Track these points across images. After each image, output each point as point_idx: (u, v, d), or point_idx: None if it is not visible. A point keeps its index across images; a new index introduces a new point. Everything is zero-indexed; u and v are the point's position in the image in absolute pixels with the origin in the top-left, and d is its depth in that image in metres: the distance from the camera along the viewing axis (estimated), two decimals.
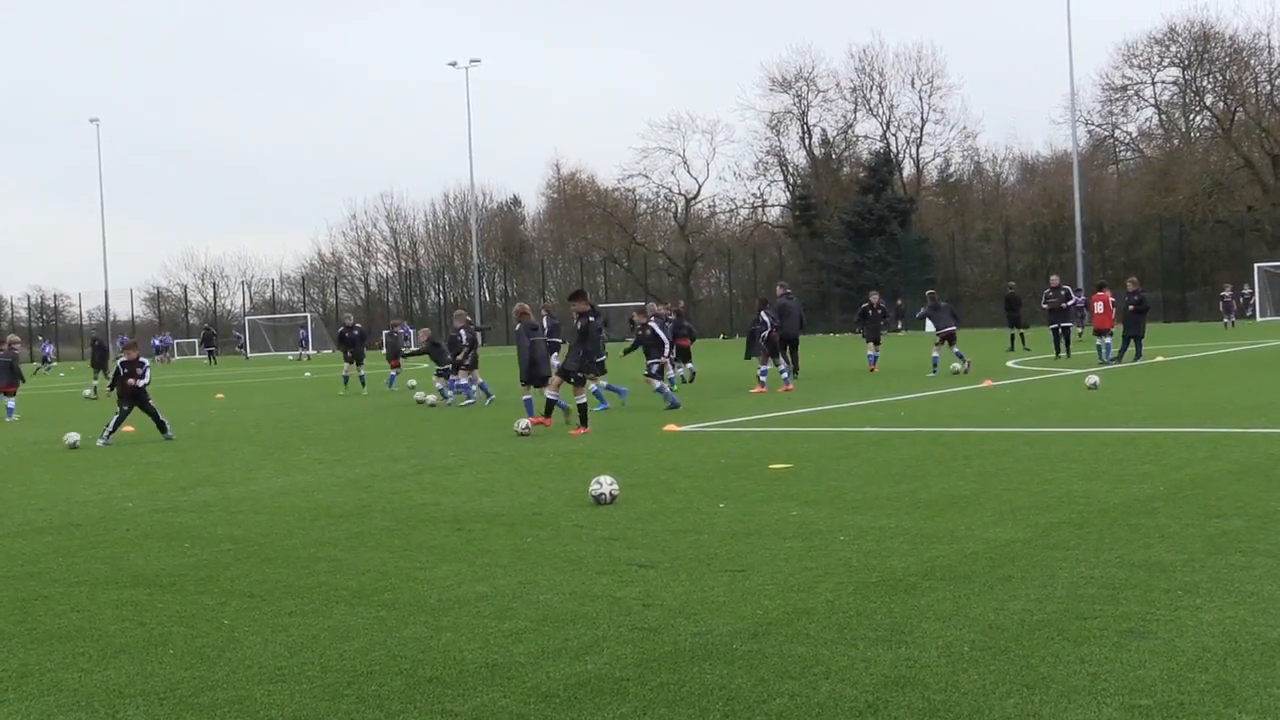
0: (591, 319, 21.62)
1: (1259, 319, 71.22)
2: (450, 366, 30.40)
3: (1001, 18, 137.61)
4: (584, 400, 20.89)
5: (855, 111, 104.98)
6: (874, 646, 7.08)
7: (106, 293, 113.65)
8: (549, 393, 21.16)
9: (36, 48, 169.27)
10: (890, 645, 7.09)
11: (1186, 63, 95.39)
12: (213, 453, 20.47)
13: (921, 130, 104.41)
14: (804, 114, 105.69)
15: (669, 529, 11.17)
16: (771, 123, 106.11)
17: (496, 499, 13.54)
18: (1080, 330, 48.92)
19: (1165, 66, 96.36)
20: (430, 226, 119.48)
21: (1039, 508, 11.37)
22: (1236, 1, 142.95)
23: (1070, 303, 38.96)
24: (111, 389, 24.49)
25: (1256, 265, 75.72)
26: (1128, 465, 13.87)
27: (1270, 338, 47.38)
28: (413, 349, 36.14)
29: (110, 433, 23.12)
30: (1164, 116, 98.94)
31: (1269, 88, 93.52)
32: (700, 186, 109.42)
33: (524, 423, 20.89)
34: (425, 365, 37.53)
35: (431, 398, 30.07)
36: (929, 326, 34.66)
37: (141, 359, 24.33)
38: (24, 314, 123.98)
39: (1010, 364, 36.23)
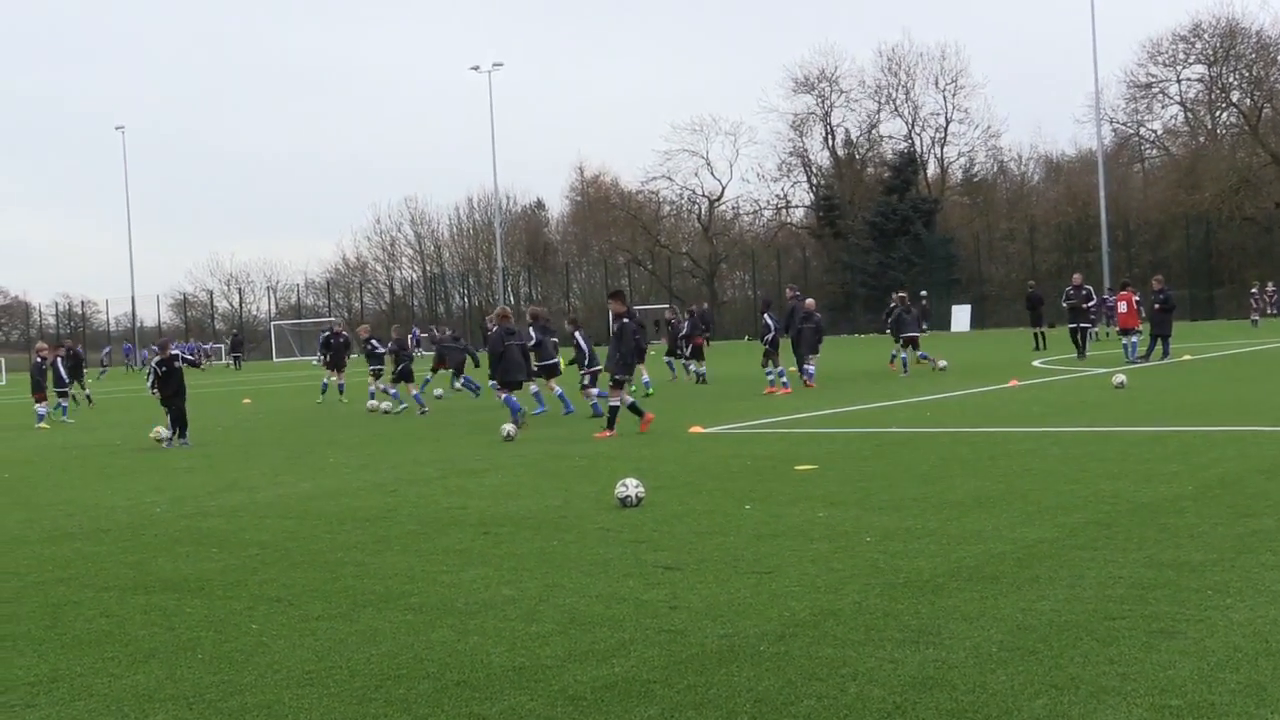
0: (626, 320, 21.48)
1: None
2: (395, 372, 30.49)
3: (1025, 16, 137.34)
4: (616, 403, 20.74)
5: (879, 111, 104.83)
6: (901, 648, 7.06)
7: (133, 299, 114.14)
8: (612, 400, 20.83)
9: (63, 55, 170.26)
10: (917, 646, 7.07)
11: (1212, 59, 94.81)
12: (240, 458, 20.54)
13: (946, 130, 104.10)
14: (827, 115, 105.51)
15: (695, 531, 11.17)
16: (794, 124, 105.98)
17: (522, 502, 13.55)
18: (1097, 332, 48.58)
19: (1191, 63, 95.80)
20: (454, 230, 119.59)
21: (1066, 508, 11.33)
22: None
23: (1090, 303, 38.37)
24: (153, 390, 24.53)
25: None
26: (1155, 465, 13.81)
27: None
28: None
29: (179, 435, 23.36)
30: (1190, 114, 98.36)
31: None
32: (724, 188, 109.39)
33: (509, 427, 20.87)
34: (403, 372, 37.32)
35: (385, 404, 30.15)
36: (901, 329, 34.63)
37: (175, 353, 24.50)
38: (52, 321, 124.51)
39: (1036, 363, 36.08)
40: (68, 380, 34.67)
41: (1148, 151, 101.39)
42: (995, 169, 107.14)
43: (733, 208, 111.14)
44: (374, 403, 30.73)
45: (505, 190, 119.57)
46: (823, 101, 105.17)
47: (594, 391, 25.00)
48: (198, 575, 10.36)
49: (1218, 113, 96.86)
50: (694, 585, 8.96)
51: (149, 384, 24.72)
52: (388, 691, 6.79)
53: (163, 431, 23.54)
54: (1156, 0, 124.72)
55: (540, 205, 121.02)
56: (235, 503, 14.80)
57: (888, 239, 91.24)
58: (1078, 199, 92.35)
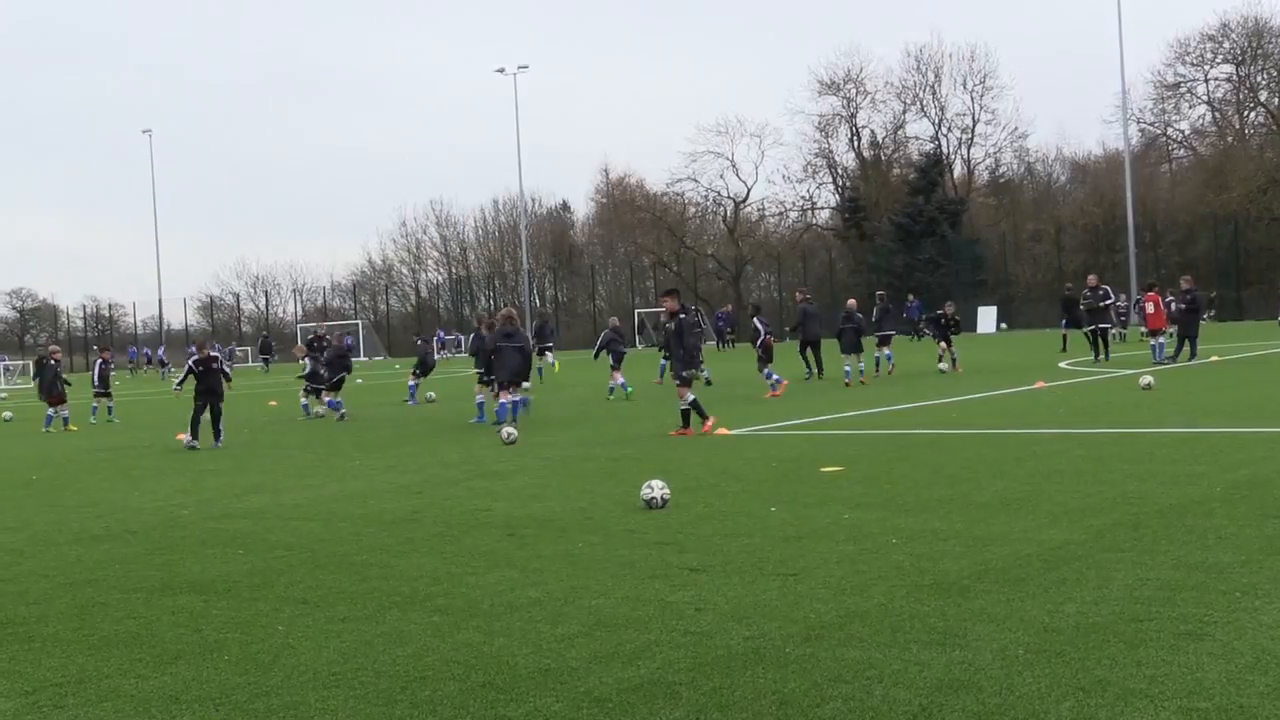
0: (683, 316, 21.37)
1: None
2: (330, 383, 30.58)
3: (1051, 17, 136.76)
4: (692, 399, 20.69)
5: (905, 112, 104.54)
6: (927, 650, 7.05)
7: (160, 302, 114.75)
8: (685, 398, 20.72)
9: (90, 60, 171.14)
10: (944, 649, 7.05)
11: (1240, 59, 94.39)
12: (266, 460, 20.61)
13: (973, 131, 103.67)
14: (852, 116, 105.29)
15: (720, 533, 11.16)
16: (820, 125, 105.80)
17: (548, 504, 13.56)
18: (1124, 332, 48.27)
19: (1218, 63, 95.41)
20: (480, 233, 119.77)
21: (1093, 509, 11.29)
22: None
23: (1108, 303, 37.72)
24: (178, 386, 24.71)
25: None
26: (1183, 466, 13.75)
27: None
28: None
29: (214, 437, 23.53)
30: (1217, 114, 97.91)
31: None
32: (749, 190, 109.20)
33: (509, 430, 20.87)
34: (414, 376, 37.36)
35: (320, 409, 30.17)
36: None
37: (213, 354, 24.70)
38: (80, 324, 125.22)
39: (1063, 365, 35.95)
40: (100, 387, 34.70)
41: (1175, 152, 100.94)
42: (1022, 170, 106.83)
43: (758, 209, 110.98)
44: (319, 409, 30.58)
45: (531, 192, 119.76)
46: (848, 103, 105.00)
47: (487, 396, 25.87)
48: (224, 577, 10.40)
49: (1246, 112, 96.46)
50: (719, 587, 8.95)
51: (177, 381, 24.95)
52: (413, 693, 6.80)
53: (185, 438, 23.60)
54: (1184, 0, 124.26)
55: (566, 207, 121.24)
56: (262, 505, 14.85)
57: (914, 240, 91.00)
58: (1104, 200, 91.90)
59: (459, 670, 7.18)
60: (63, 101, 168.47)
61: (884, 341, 35.75)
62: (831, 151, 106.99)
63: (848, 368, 32.06)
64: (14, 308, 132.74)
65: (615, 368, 31.97)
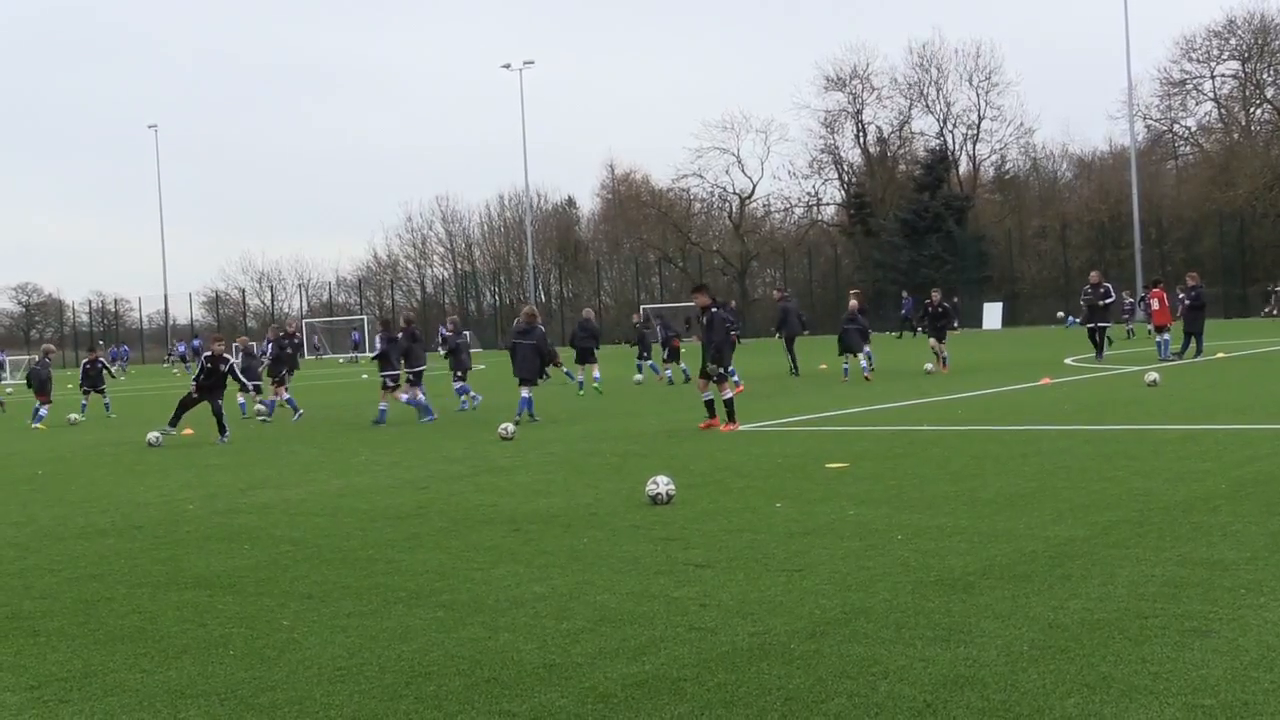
0: (716, 310, 21.34)
1: None
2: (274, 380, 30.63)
3: (1057, 13, 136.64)
4: (729, 395, 20.71)
5: (911, 108, 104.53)
6: (932, 646, 7.04)
7: (166, 297, 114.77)
8: (724, 393, 20.75)
9: (96, 55, 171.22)
10: (949, 645, 7.05)
11: (1246, 55, 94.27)
12: (271, 455, 20.63)
13: (978, 127, 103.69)
14: (858, 112, 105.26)
15: (726, 529, 11.16)
16: (826, 121, 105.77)
17: (553, 500, 13.56)
18: (1131, 328, 48.05)
19: (1224, 60, 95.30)
20: (485, 228, 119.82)
21: (1098, 506, 11.29)
22: None
23: (1108, 301, 36.73)
24: (196, 381, 24.75)
25: None
26: (1189, 463, 13.74)
27: None
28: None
29: (219, 432, 23.61)
30: (1223, 110, 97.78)
31: None
32: (755, 186, 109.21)
33: (508, 426, 20.88)
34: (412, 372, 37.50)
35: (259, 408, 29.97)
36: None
37: (225, 354, 24.74)
38: (85, 319, 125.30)
39: (1068, 361, 35.90)
40: (87, 385, 34.54)
41: (1181, 148, 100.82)
42: (1027, 166, 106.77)
43: (764, 205, 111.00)
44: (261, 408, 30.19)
45: (536, 188, 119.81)
46: (854, 99, 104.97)
47: (401, 396, 26.45)
48: (230, 572, 10.41)
49: (1252, 109, 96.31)
50: (725, 583, 8.96)
51: (194, 377, 25.00)
52: (419, 688, 6.80)
53: (152, 435, 23.50)
54: None
55: (571, 203, 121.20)
56: (267, 500, 14.86)
57: (919, 236, 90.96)
58: (1110, 196, 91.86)
59: (464, 665, 7.18)
60: (68, 95, 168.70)
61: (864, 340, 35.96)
62: (837, 147, 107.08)
63: (846, 365, 32.36)
64: (19, 303, 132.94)
65: (584, 363, 32.41)
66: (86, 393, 34.39)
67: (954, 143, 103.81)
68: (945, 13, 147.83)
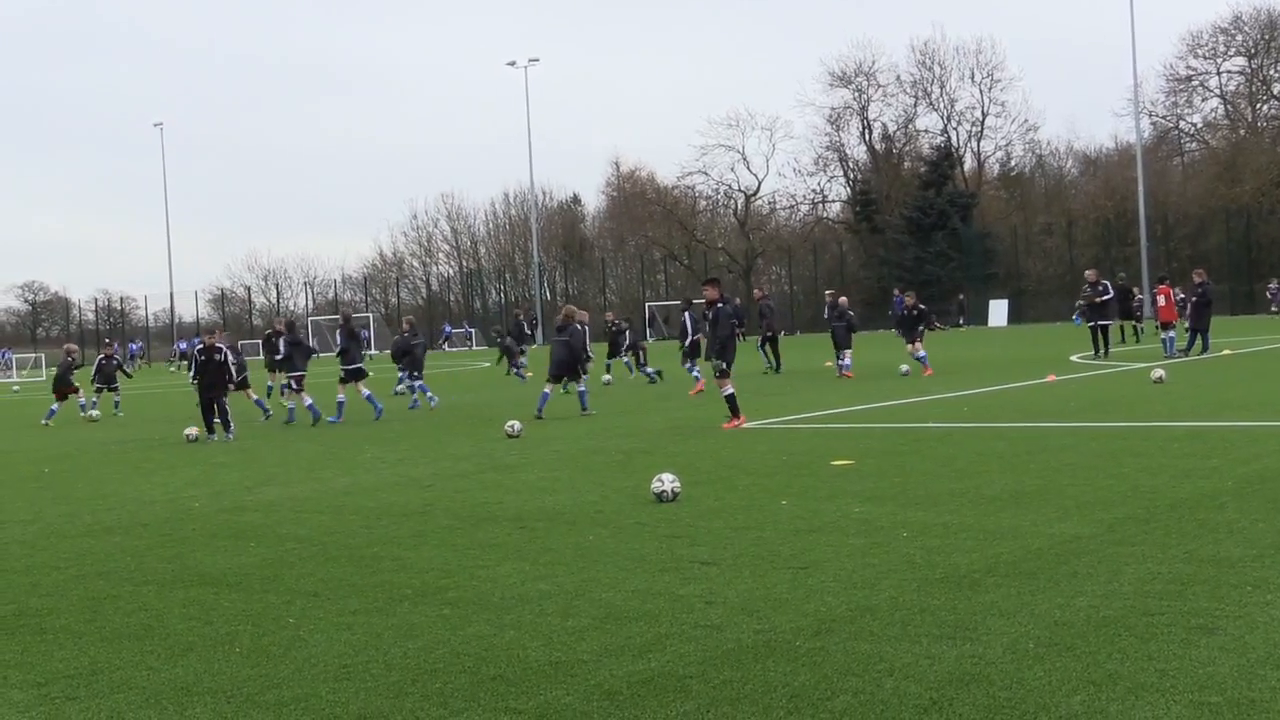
0: (721, 305, 21.34)
1: None
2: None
3: (1063, 9, 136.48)
4: (730, 391, 20.71)
5: (916, 106, 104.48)
6: (938, 643, 7.04)
7: (172, 295, 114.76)
8: (724, 389, 20.72)
9: (101, 53, 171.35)
10: (954, 642, 7.05)
11: (1253, 51, 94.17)
12: (277, 452, 20.64)
13: (982, 124, 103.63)
14: (864, 109, 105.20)
15: (731, 526, 11.16)
16: (831, 118, 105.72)
17: (558, 497, 13.57)
18: (1140, 327, 47.89)
19: (1231, 56, 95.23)
20: (491, 226, 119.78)
21: (1104, 503, 11.28)
22: None
23: (1106, 298, 36.15)
24: (194, 380, 24.72)
25: None
26: (1195, 460, 13.73)
27: None
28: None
29: (224, 429, 23.64)
30: (1230, 106, 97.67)
31: None
32: (760, 183, 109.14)
33: (515, 425, 20.89)
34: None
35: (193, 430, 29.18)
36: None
37: (219, 345, 24.68)
38: (91, 317, 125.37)
39: (1074, 358, 35.85)
40: (100, 382, 34.53)
41: (1187, 145, 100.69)
42: (1033, 163, 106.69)
43: (769, 203, 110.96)
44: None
45: (541, 186, 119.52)
46: (859, 95, 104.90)
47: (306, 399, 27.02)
48: (235, 570, 10.42)
49: (1258, 105, 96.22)
50: (730, 580, 8.96)
51: (190, 374, 24.91)
52: (424, 685, 6.81)
53: (193, 431, 23.65)
54: None
55: (576, 200, 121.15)
56: (272, 497, 14.88)
57: (925, 233, 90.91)
58: (1116, 193, 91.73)
59: (470, 663, 7.18)
60: (73, 92, 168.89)
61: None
62: (843, 144, 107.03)
63: (842, 362, 32.64)
64: (26, 301, 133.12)
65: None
66: (99, 390, 34.40)
67: (959, 140, 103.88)
68: (948, 9, 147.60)
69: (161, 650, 7.86)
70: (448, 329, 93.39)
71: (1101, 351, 35.60)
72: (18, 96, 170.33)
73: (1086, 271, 38.63)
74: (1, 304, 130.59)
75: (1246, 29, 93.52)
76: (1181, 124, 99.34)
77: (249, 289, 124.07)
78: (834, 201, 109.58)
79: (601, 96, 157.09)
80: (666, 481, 12.73)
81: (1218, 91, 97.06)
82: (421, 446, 20.14)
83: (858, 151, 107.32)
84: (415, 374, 30.36)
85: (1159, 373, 25.14)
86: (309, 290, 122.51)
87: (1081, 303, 38.10)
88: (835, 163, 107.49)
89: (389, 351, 31.35)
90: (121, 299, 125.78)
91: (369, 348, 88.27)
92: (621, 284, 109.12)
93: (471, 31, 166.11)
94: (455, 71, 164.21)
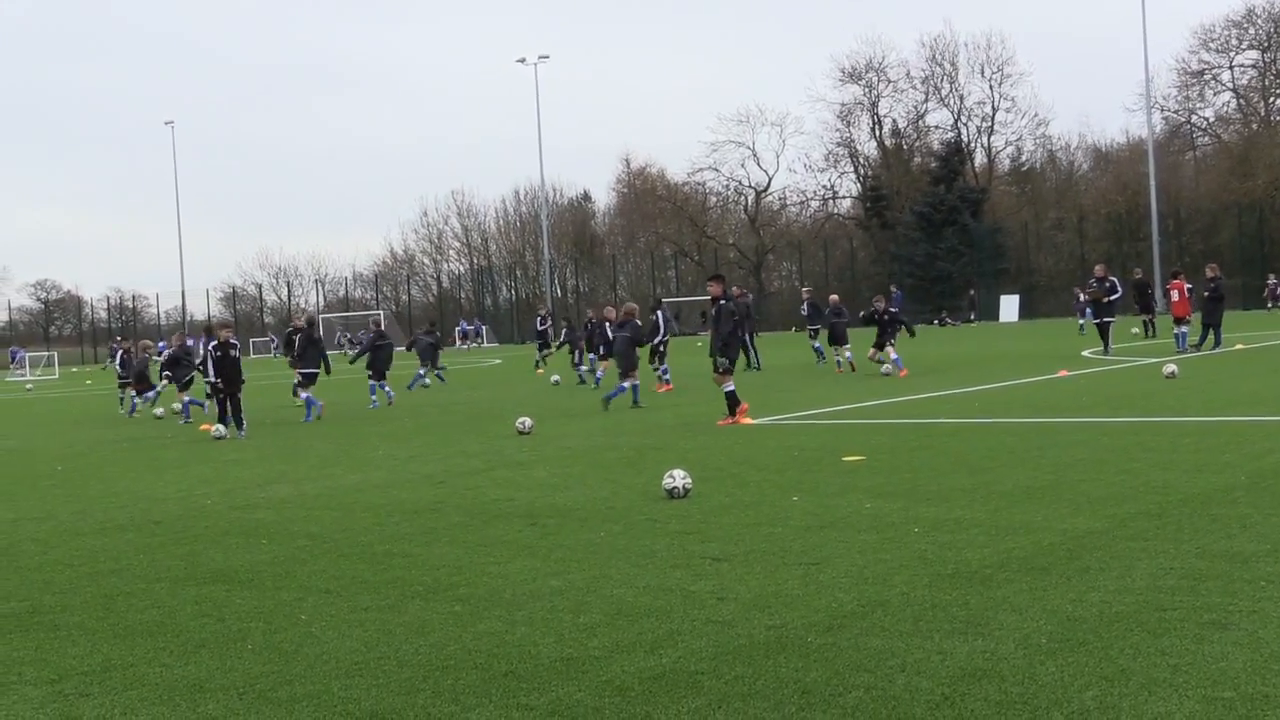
0: (724, 302, 21.37)
1: None
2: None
3: (1074, 4, 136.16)
4: (731, 387, 20.72)
5: (926, 102, 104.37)
6: (950, 639, 7.04)
7: (183, 293, 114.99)
8: (725, 385, 20.78)
9: (111, 52, 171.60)
10: (966, 637, 7.04)
11: (1266, 45, 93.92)
12: (288, 450, 20.67)
13: (993, 119, 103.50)
14: (874, 105, 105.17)
15: (742, 522, 11.16)
16: (841, 114, 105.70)
17: (570, 494, 13.58)
18: (1152, 320, 47.57)
19: (1244, 49, 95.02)
20: (501, 223, 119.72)
21: (1116, 498, 11.26)
22: None
23: (1114, 296, 35.60)
24: (215, 378, 24.60)
25: None
26: (1207, 455, 13.70)
27: None
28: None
29: (237, 426, 23.72)
30: (1242, 100, 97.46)
31: None
32: (770, 179, 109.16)
33: (526, 421, 20.90)
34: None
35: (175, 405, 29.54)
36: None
37: (234, 341, 24.77)
38: (103, 315, 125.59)
39: (1085, 353, 35.78)
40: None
41: (1199, 139, 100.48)
42: (1043, 158, 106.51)
43: (779, 199, 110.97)
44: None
45: (552, 183, 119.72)
46: (870, 91, 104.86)
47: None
48: (248, 567, 10.44)
49: (1271, 99, 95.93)
50: (741, 576, 8.96)
51: (207, 372, 24.73)
52: (436, 682, 6.82)
53: (219, 429, 23.71)
54: None
55: (587, 197, 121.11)
56: (284, 495, 14.90)
57: (935, 229, 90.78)
58: (1127, 188, 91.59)
59: (481, 659, 7.19)
60: (83, 93, 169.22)
61: (814, 335, 38.37)
62: (853, 140, 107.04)
63: (838, 358, 32.93)
64: (38, 299, 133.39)
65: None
66: (124, 385, 34.44)
67: (969, 135, 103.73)
68: (958, 4, 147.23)
69: (174, 647, 7.88)
70: (464, 326, 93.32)
71: (1108, 349, 35.09)
72: (28, 96, 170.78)
73: (1096, 267, 38.10)
74: (14, 302, 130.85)
75: (1259, 22, 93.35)
76: (1194, 118, 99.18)
77: (259, 287, 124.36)
78: (844, 197, 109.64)
79: (612, 93, 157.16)
80: (678, 478, 12.73)
81: (1230, 85, 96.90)
82: (432, 443, 20.16)
83: (868, 147, 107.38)
84: (373, 374, 30.92)
85: (1171, 368, 25.10)
86: (320, 288, 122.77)
87: (1085, 296, 37.69)
88: (846, 159, 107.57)
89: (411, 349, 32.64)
90: (133, 297, 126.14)
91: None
92: (632, 280, 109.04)
93: (481, 29, 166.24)
94: (465, 69, 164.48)
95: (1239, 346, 34.92)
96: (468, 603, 8.64)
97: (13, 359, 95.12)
